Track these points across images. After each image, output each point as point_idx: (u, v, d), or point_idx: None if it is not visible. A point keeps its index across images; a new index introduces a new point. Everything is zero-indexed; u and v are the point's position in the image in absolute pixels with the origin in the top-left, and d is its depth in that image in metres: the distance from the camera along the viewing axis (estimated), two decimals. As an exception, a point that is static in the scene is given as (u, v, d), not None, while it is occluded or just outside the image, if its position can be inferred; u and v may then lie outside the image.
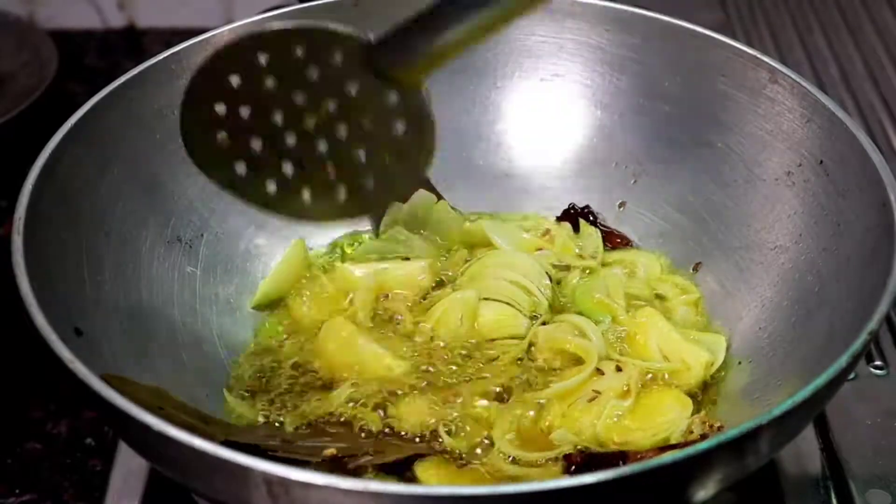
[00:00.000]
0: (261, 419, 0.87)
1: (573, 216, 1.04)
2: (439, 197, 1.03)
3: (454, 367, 0.90)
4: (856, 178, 0.86)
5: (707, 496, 0.70)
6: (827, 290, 0.85)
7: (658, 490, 0.66)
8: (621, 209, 1.04)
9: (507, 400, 0.88)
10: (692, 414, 0.86)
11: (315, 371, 0.91)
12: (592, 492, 0.63)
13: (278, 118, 0.78)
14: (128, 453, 0.91)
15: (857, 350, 0.71)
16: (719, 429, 0.83)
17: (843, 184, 0.87)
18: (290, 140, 0.78)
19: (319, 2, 1.04)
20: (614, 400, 0.86)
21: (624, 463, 0.75)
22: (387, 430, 0.85)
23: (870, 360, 0.99)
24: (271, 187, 0.80)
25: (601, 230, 1.02)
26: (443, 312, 0.93)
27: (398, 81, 0.75)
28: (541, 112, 1.07)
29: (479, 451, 0.84)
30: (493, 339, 0.93)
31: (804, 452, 0.92)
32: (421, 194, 1.02)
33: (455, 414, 0.86)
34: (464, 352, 0.92)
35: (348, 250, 1.04)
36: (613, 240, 1.02)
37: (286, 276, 0.99)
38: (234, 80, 0.77)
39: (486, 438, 0.85)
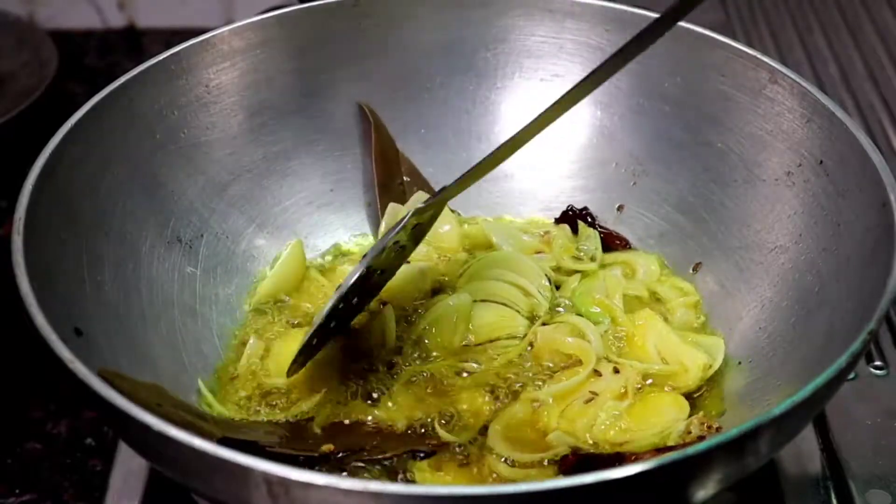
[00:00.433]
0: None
1: (571, 218, 1.04)
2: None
3: (449, 368, 0.90)
4: (856, 178, 0.86)
5: (707, 496, 0.70)
6: (827, 290, 0.85)
7: (658, 490, 0.66)
8: (620, 212, 1.04)
9: (504, 399, 0.88)
10: (690, 415, 0.86)
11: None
12: (592, 492, 0.63)
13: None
14: (128, 453, 0.91)
15: (856, 350, 0.71)
16: (717, 430, 0.83)
17: (843, 184, 0.87)
18: None
19: (319, 2, 1.04)
20: (611, 401, 0.86)
21: (619, 465, 0.75)
22: (383, 427, 0.86)
23: (870, 360, 0.99)
24: None
25: (600, 231, 1.02)
26: (435, 318, 0.93)
27: None
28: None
29: (474, 450, 0.84)
30: (491, 340, 0.93)
31: (804, 452, 0.92)
32: (420, 196, 1.03)
33: (451, 410, 0.86)
34: (461, 354, 0.92)
35: (348, 251, 1.04)
36: (612, 241, 1.02)
37: (285, 277, 0.99)
38: None
39: (481, 434, 0.85)
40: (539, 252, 1.01)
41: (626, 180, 1.04)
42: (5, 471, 0.98)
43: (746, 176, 0.96)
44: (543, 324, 0.93)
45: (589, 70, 1.03)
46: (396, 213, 1.01)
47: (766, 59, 0.95)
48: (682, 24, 0.99)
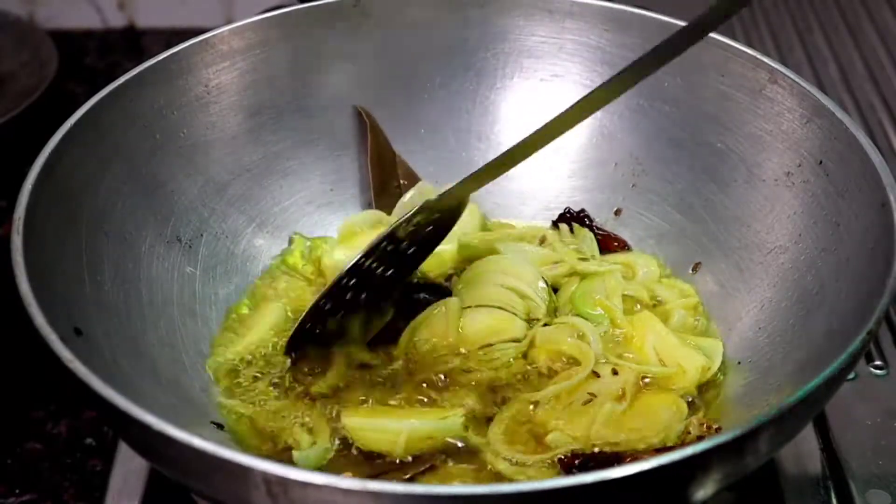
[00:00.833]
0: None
1: (568, 221, 1.03)
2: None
3: (442, 373, 0.91)
4: (855, 178, 0.86)
5: (707, 496, 0.70)
6: (826, 290, 0.85)
7: (658, 490, 0.66)
8: (617, 217, 1.04)
9: (503, 401, 0.88)
10: (690, 415, 0.86)
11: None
12: (592, 492, 0.63)
13: None
14: (128, 453, 0.91)
15: (856, 350, 0.71)
16: (717, 430, 0.83)
17: (843, 184, 0.87)
18: None
19: (319, 2, 1.04)
20: (610, 403, 0.86)
21: (618, 465, 0.75)
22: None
23: (870, 360, 0.99)
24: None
25: (598, 234, 1.02)
26: (423, 321, 0.93)
27: None
28: (540, 112, 1.06)
29: (475, 449, 0.84)
30: (489, 345, 0.92)
31: (804, 452, 0.92)
32: (425, 188, 1.04)
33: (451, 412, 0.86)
34: (454, 358, 0.92)
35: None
36: (610, 244, 1.02)
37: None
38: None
39: (481, 435, 0.85)
40: (556, 262, 1.00)
41: (626, 180, 1.04)
42: (5, 471, 0.98)
43: (746, 176, 0.96)
44: (545, 324, 0.93)
45: (588, 70, 1.05)
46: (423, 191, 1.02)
47: (766, 59, 0.95)
48: (682, 24, 1.00)
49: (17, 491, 0.96)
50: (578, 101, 0.79)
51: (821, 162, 0.90)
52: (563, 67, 1.05)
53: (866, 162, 0.84)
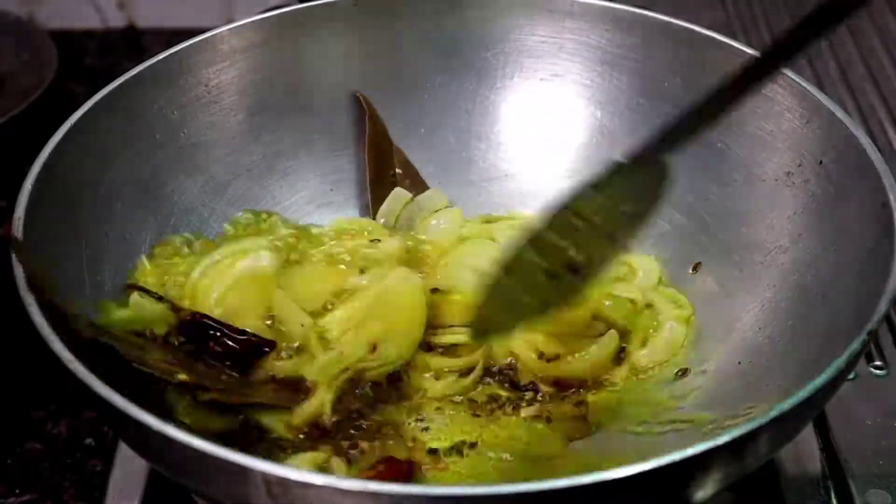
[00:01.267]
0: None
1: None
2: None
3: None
4: (855, 179, 0.86)
5: (707, 496, 0.70)
6: (826, 290, 0.85)
7: (657, 490, 0.66)
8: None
9: None
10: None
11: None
12: (592, 492, 0.63)
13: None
14: (128, 453, 0.91)
15: (856, 350, 0.71)
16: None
17: (843, 184, 0.87)
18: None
19: (319, 2, 1.04)
20: None
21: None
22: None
23: (870, 360, 0.99)
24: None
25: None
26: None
27: None
28: (540, 112, 1.07)
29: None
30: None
31: (804, 452, 0.92)
32: (430, 195, 1.04)
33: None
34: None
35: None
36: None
37: None
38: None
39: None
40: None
41: (626, 180, 1.04)
42: (5, 471, 0.98)
43: (746, 176, 0.96)
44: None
45: (588, 70, 1.05)
46: (402, 200, 1.02)
47: (766, 59, 0.94)
48: (682, 23, 1.00)
49: (17, 491, 0.96)
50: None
51: (821, 162, 0.90)
52: (563, 67, 1.05)
53: (866, 162, 0.84)
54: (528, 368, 0.91)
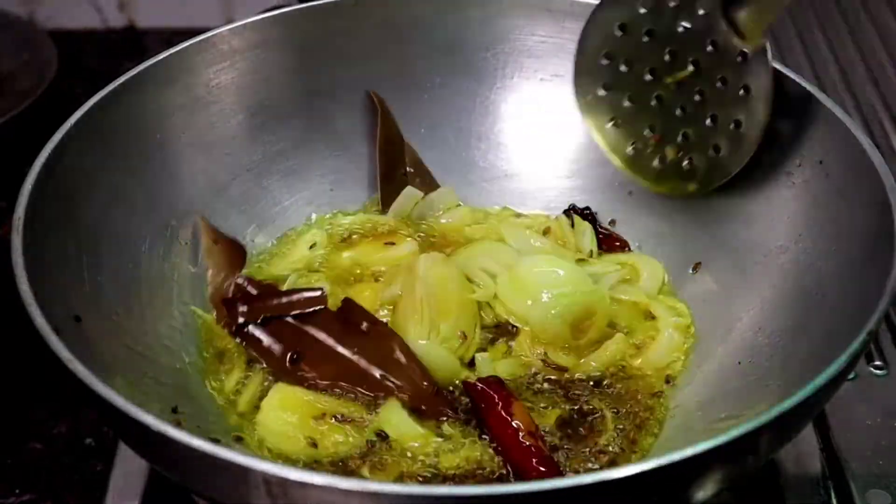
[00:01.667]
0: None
1: (571, 216, 1.04)
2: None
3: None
4: (855, 178, 0.86)
5: (707, 496, 0.70)
6: (826, 290, 0.85)
7: (658, 490, 0.66)
8: (612, 227, 1.04)
9: None
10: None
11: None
12: (592, 492, 0.63)
13: (647, 76, 0.92)
14: (128, 453, 0.91)
15: (856, 350, 0.71)
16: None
17: (843, 184, 0.87)
18: (654, 103, 0.92)
19: (319, 2, 1.04)
20: None
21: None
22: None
23: (870, 360, 0.99)
24: (629, 149, 0.96)
25: (601, 232, 1.02)
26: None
27: (743, 33, 0.85)
28: (541, 112, 1.07)
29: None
30: None
31: (804, 452, 0.92)
32: (442, 193, 1.05)
33: None
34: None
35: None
36: (612, 243, 1.02)
37: None
38: (617, 31, 0.91)
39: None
40: (582, 259, 1.00)
41: (627, 181, 1.03)
42: (5, 471, 0.98)
43: (746, 176, 0.96)
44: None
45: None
46: (414, 198, 1.03)
47: (766, 58, 0.94)
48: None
49: (17, 491, 0.96)
50: None
51: (821, 162, 0.90)
52: (563, 67, 1.05)
53: (866, 162, 0.84)
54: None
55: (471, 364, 0.91)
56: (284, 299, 0.92)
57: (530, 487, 0.62)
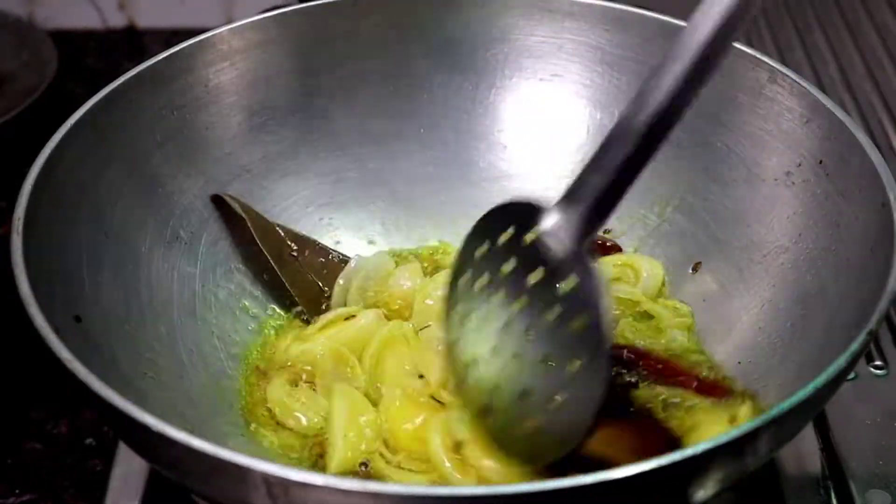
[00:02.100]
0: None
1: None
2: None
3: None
4: (856, 178, 0.86)
5: (707, 496, 0.70)
6: (826, 290, 0.85)
7: (658, 490, 0.66)
8: (609, 233, 1.04)
9: None
10: None
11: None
12: (592, 492, 0.63)
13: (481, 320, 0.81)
14: (128, 453, 0.91)
15: (856, 350, 0.71)
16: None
17: (843, 184, 0.87)
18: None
19: (319, 2, 1.04)
20: None
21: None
22: None
23: (870, 360, 0.99)
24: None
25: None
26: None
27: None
28: (540, 113, 1.07)
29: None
30: None
31: (804, 452, 0.92)
32: (374, 262, 1.01)
33: None
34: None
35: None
36: (604, 247, 1.02)
37: None
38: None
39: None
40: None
41: (626, 180, 1.04)
42: (5, 471, 0.98)
43: (746, 176, 0.96)
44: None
45: (588, 70, 1.05)
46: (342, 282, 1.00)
47: (766, 59, 0.95)
48: (682, 23, 1.00)
49: (17, 491, 0.96)
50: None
51: (821, 162, 0.90)
52: (563, 67, 1.05)
53: (866, 162, 0.84)
54: None
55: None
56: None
57: (531, 487, 0.62)
